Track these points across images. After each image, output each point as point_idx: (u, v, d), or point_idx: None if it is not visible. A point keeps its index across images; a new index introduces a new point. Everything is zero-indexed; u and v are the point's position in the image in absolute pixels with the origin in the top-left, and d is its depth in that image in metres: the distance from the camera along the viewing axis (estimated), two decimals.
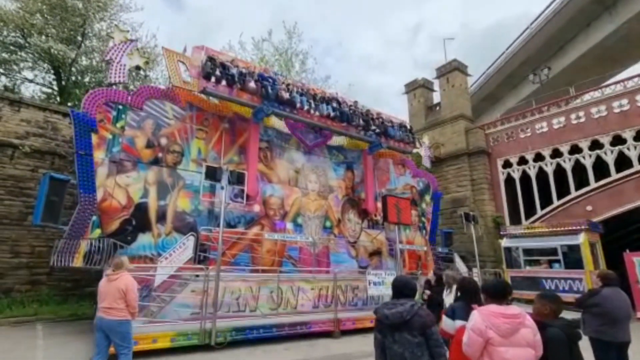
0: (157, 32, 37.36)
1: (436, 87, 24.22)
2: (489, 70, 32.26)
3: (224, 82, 9.93)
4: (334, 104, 12.42)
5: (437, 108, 23.57)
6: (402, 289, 2.82)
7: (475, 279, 12.76)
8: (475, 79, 31.65)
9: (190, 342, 7.15)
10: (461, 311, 3.29)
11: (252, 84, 10.38)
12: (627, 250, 12.75)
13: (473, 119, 23.19)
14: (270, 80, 11.01)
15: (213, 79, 9.78)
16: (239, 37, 46.79)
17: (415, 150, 18.32)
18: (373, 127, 13.28)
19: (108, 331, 4.53)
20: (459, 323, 3.22)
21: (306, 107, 11.39)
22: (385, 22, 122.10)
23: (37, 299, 10.46)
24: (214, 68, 9.88)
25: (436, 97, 24.53)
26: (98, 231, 8.33)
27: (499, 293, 2.73)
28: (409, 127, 15.03)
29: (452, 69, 22.52)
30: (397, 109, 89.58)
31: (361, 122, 12.87)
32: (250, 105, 10.82)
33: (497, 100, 34.10)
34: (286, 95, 11.06)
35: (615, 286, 4.72)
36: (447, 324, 3.36)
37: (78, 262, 7.89)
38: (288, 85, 11.56)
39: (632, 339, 4.54)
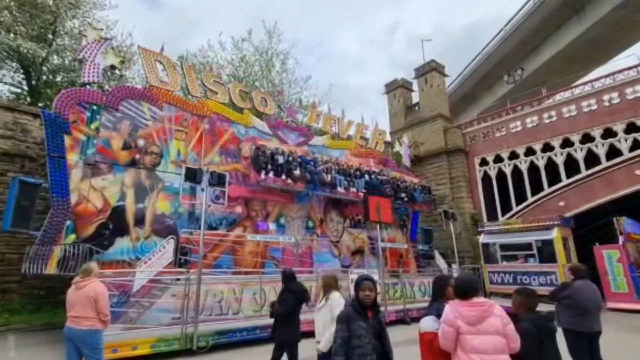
0: (133, 30, 36.24)
1: (415, 87, 24.63)
2: (466, 70, 33.08)
3: (271, 174, 10.91)
4: (367, 177, 13.55)
5: (417, 108, 23.97)
6: None
7: (454, 275, 13.09)
8: (452, 79, 32.40)
9: (172, 347, 7.01)
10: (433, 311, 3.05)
11: (297, 172, 11.36)
12: (597, 244, 13.36)
13: (451, 119, 23.71)
14: (311, 163, 11.99)
15: (264, 172, 10.81)
16: (219, 37, 45.89)
17: (395, 149, 18.63)
18: (402, 195, 14.45)
19: (77, 342, 4.28)
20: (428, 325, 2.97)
21: (342, 189, 12.53)
22: (363, 22, 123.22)
23: (8, 309, 10.00)
24: (266, 161, 10.92)
25: (415, 97, 24.95)
26: (73, 236, 8.05)
27: (465, 292, 2.75)
28: (428, 187, 16.65)
29: (430, 70, 22.95)
30: (376, 107, 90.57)
31: (391, 190, 14.04)
32: (296, 191, 11.82)
33: (474, 100, 35.00)
34: (327, 179, 12.10)
35: (586, 278, 4.93)
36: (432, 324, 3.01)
37: (51, 269, 7.61)
38: (326, 162, 12.61)
39: (602, 329, 4.76)
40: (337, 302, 3.94)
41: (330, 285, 4.25)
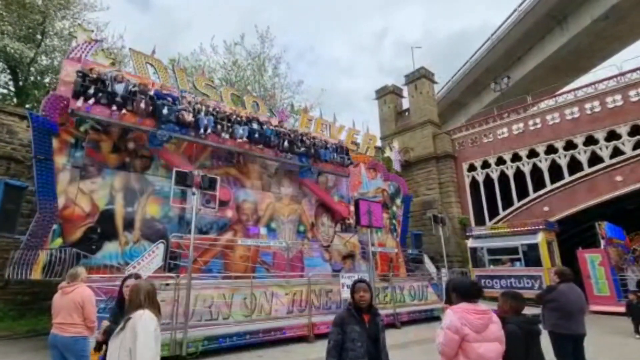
0: (124, 32, 35.91)
1: (405, 93, 24.99)
2: (454, 77, 33.71)
3: (102, 102, 8.38)
4: (254, 125, 11.15)
5: (407, 114, 24.31)
6: None
7: (444, 278, 13.25)
8: (441, 85, 32.96)
9: (161, 354, 6.92)
10: None
11: (142, 104, 8.86)
12: (580, 248, 13.70)
13: (440, 125, 24.11)
14: (169, 99, 9.56)
15: (83, 98, 8.12)
16: (211, 41, 45.73)
17: (386, 154, 18.82)
18: (299, 150, 12.00)
19: (62, 349, 4.14)
20: None
21: (209, 131, 9.96)
22: (353, 29, 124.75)
23: None
24: (88, 85, 8.29)
25: (405, 103, 25.30)
26: (59, 240, 7.91)
27: (472, 294, 2.77)
28: (345, 148, 14.06)
29: (419, 77, 23.34)
30: (366, 113, 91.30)
31: (285, 144, 11.60)
32: (142, 130, 9.28)
33: (462, 107, 35.64)
34: (189, 118, 9.49)
35: (571, 282, 5.07)
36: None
37: (37, 274, 7.46)
38: (195, 104, 10.20)
39: (586, 331, 4.89)
40: (144, 326, 2.52)
41: (136, 300, 2.64)
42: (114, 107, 8.59)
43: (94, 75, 8.62)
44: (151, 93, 9.33)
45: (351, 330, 2.87)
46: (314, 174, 13.03)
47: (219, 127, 10.26)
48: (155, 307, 2.69)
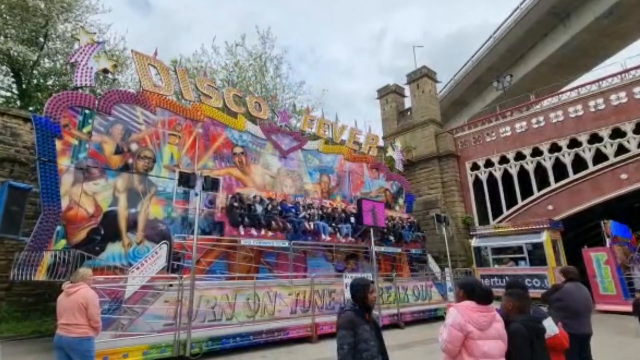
0: (126, 34, 36.00)
1: (407, 92, 24.92)
2: (457, 76, 33.61)
3: (251, 228, 10.26)
4: (352, 220, 12.68)
5: (409, 113, 24.23)
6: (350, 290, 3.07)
7: (448, 278, 13.18)
8: (443, 84, 32.89)
9: (164, 354, 6.91)
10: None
11: (279, 223, 10.76)
12: (585, 247, 13.60)
13: (442, 124, 24.02)
14: (292, 211, 11.44)
15: (241, 227, 10.10)
16: (213, 42, 45.80)
17: (388, 154, 18.77)
18: (391, 238, 13.89)
19: (68, 350, 4.15)
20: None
21: (329, 238, 11.83)
22: (352, 30, 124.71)
23: None
24: (242, 213, 10.18)
25: (407, 103, 25.22)
26: (63, 242, 7.94)
27: (487, 299, 2.79)
28: (417, 224, 15.86)
29: (422, 76, 23.26)
30: (366, 114, 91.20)
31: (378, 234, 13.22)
32: (275, 247, 10.94)
33: (465, 105, 35.53)
34: (310, 227, 11.48)
35: (577, 281, 5.02)
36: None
37: (41, 275, 7.48)
38: (308, 208, 12.02)
39: (593, 331, 4.84)
40: None
41: None
42: (262, 231, 10.49)
43: (245, 201, 10.55)
44: (279, 208, 11.21)
45: (362, 331, 2.82)
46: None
47: (330, 229, 11.94)
48: None
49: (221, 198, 10.22)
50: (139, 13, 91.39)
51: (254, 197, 10.96)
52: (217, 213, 10.21)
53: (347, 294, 9.57)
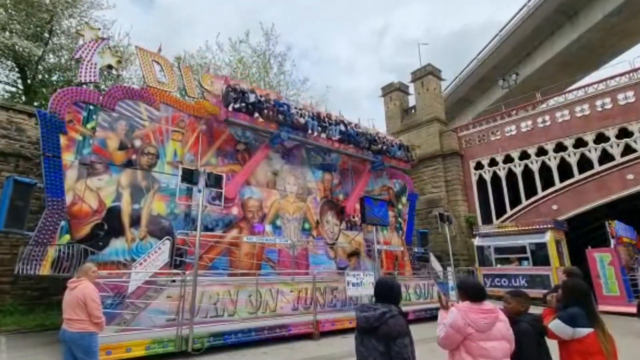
0: (130, 30, 36.14)
1: (411, 90, 24.79)
2: (461, 74, 33.36)
3: (243, 110, 10.75)
4: (341, 127, 13.27)
5: (413, 111, 24.11)
6: (386, 293, 2.65)
7: (450, 277, 13.15)
8: (447, 82, 32.68)
9: (166, 349, 6.96)
10: (583, 318, 3.01)
11: (271, 112, 11.21)
12: (589, 247, 13.50)
13: (446, 122, 23.89)
14: (285, 106, 11.80)
15: (232, 107, 10.52)
16: (216, 38, 45.92)
17: None
18: (377, 147, 14.32)
19: (71, 344, 4.18)
20: (584, 331, 2.98)
21: (316, 133, 12.37)
22: (354, 28, 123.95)
23: (0, 310, 9.88)
24: (236, 97, 10.62)
25: (411, 100, 25.09)
26: (67, 237, 7.99)
27: (478, 295, 2.76)
28: (406, 146, 16.37)
29: (426, 74, 23.12)
30: (368, 111, 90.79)
31: (366, 142, 14.03)
32: (268, 132, 11.58)
33: (470, 104, 35.29)
34: (301, 121, 11.92)
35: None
36: (565, 330, 2.99)
37: (45, 269, 7.54)
38: (300, 109, 12.35)
39: None
40: None
41: None
42: (255, 115, 10.94)
43: (239, 89, 10.95)
44: (272, 102, 11.57)
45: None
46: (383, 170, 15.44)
47: (319, 128, 12.51)
48: None
49: (216, 86, 11.05)
50: (141, 9, 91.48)
51: (248, 89, 11.40)
52: (212, 100, 10.97)
53: (349, 291, 9.57)
